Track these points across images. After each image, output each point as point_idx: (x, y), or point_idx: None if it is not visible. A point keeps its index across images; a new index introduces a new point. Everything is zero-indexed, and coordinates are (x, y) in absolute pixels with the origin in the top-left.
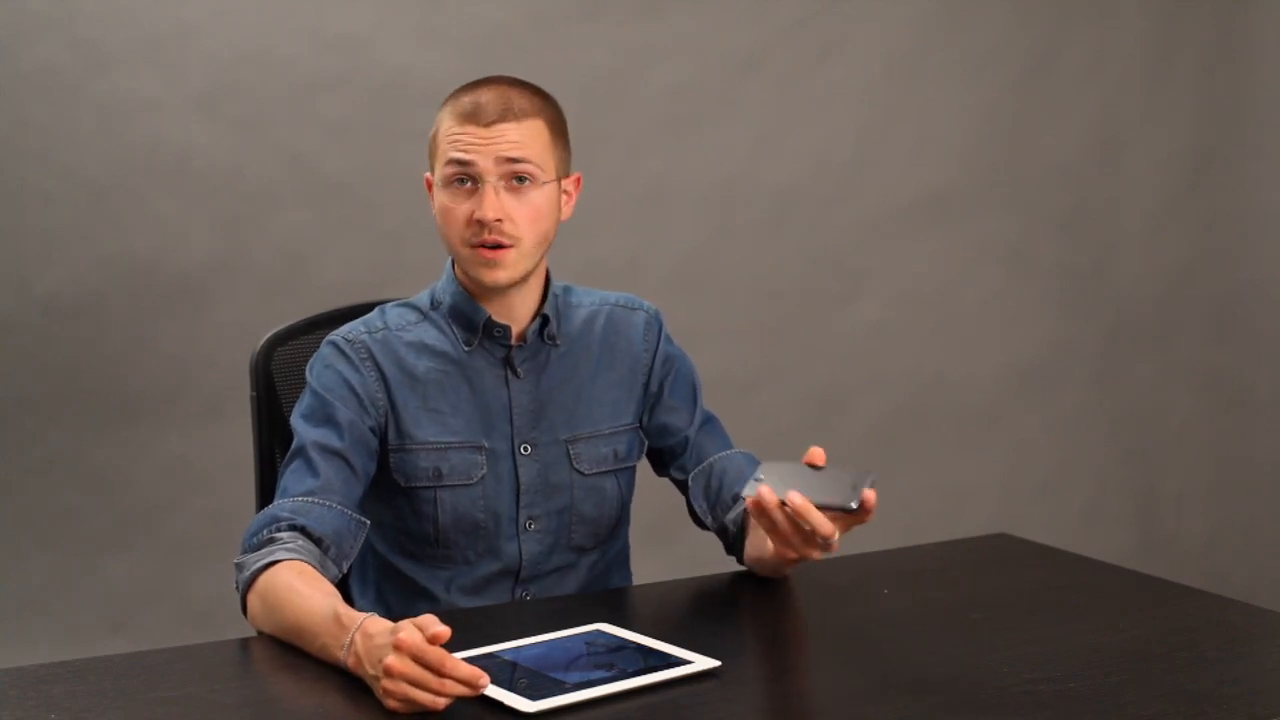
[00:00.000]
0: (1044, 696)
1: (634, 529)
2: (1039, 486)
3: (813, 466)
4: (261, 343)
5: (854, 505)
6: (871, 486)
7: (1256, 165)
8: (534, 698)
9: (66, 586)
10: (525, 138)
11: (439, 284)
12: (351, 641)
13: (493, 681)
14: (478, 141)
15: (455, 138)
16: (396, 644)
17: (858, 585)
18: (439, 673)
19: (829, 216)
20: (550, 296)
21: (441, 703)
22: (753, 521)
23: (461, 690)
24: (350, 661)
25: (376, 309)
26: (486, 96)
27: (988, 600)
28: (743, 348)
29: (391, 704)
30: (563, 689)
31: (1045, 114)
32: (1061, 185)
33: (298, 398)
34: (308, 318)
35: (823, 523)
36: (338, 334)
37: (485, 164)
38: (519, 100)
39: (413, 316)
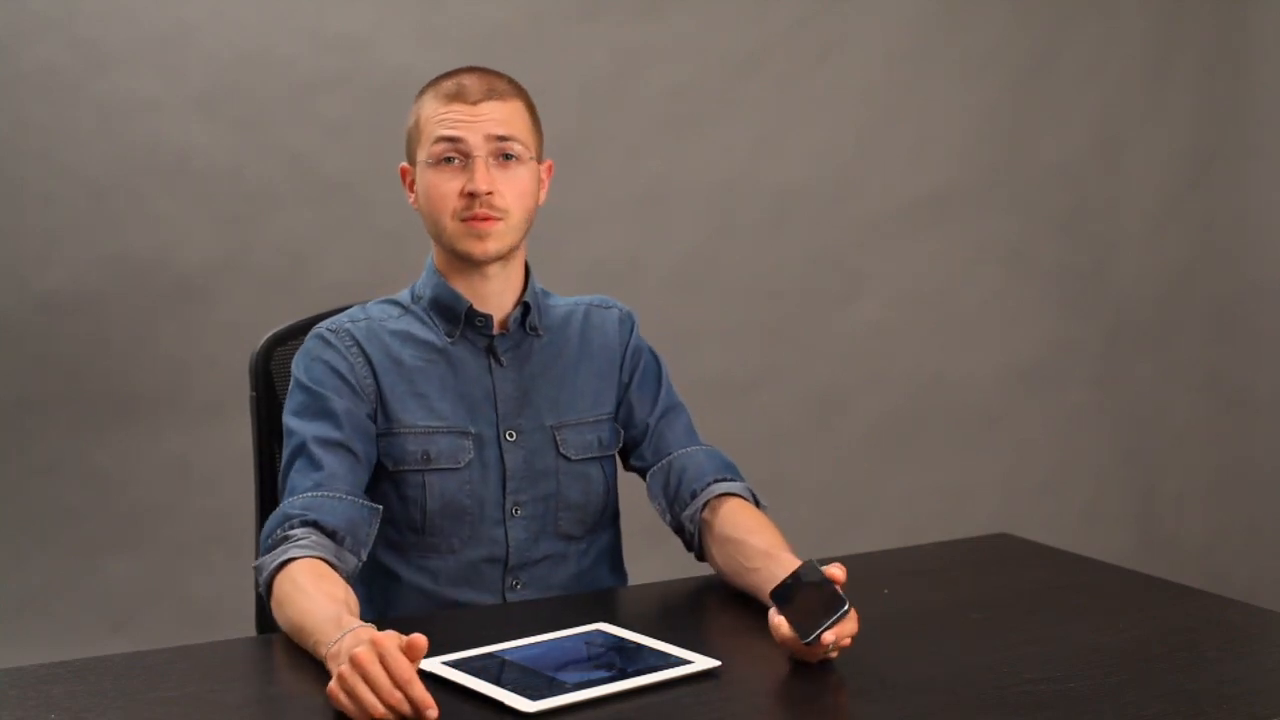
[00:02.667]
0: (1044, 696)
1: (631, 528)
2: (1039, 486)
3: (824, 578)
4: (261, 343)
5: (808, 640)
6: (833, 625)
7: (1256, 165)
8: (534, 698)
9: (66, 586)
10: (510, 116)
11: (419, 281)
12: (340, 639)
13: (493, 681)
14: (466, 119)
15: (442, 117)
16: (373, 639)
17: (858, 585)
18: (396, 683)
19: (829, 216)
20: (530, 287)
21: (380, 711)
22: (716, 534)
23: (407, 710)
24: (330, 659)
25: (357, 306)
26: (469, 79)
27: (988, 600)
28: (743, 348)
29: (333, 689)
30: (563, 689)
31: (1045, 114)
32: (1061, 185)
33: None
34: (308, 317)
35: (793, 650)
36: (320, 327)
37: (475, 139)
38: (499, 83)
39: (394, 310)
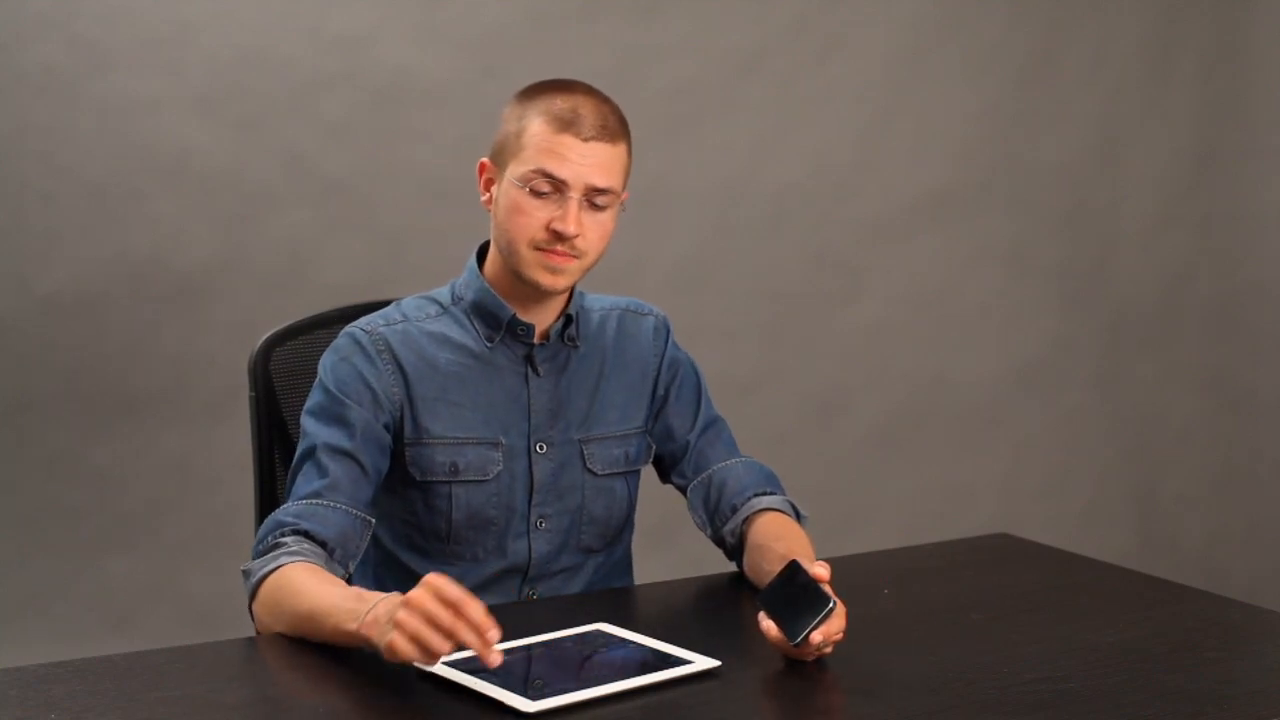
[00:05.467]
0: (1044, 696)
1: (636, 530)
2: (1039, 486)
3: (808, 579)
4: (259, 343)
5: (796, 642)
6: (819, 624)
7: (1256, 165)
8: (534, 698)
9: (66, 586)
10: (613, 161)
11: (460, 280)
12: (372, 608)
13: (493, 681)
14: (574, 158)
15: (550, 147)
16: (424, 581)
17: (858, 585)
18: (456, 612)
19: (829, 216)
20: (573, 299)
21: (447, 646)
22: (748, 543)
23: (471, 638)
24: (363, 626)
25: (393, 304)
26: (585, 108)
27: (988, 600)
28: (743, 348)
29: (396, 640)
30: (563, 689)
31: (1045, 114)
32: (1061, 185)
33: (297, 397)
34: (307, 317)
35: (785, 652)
36: (355, 326)
37: (576, 182)
38: (612, 119)
39: (433, 309)
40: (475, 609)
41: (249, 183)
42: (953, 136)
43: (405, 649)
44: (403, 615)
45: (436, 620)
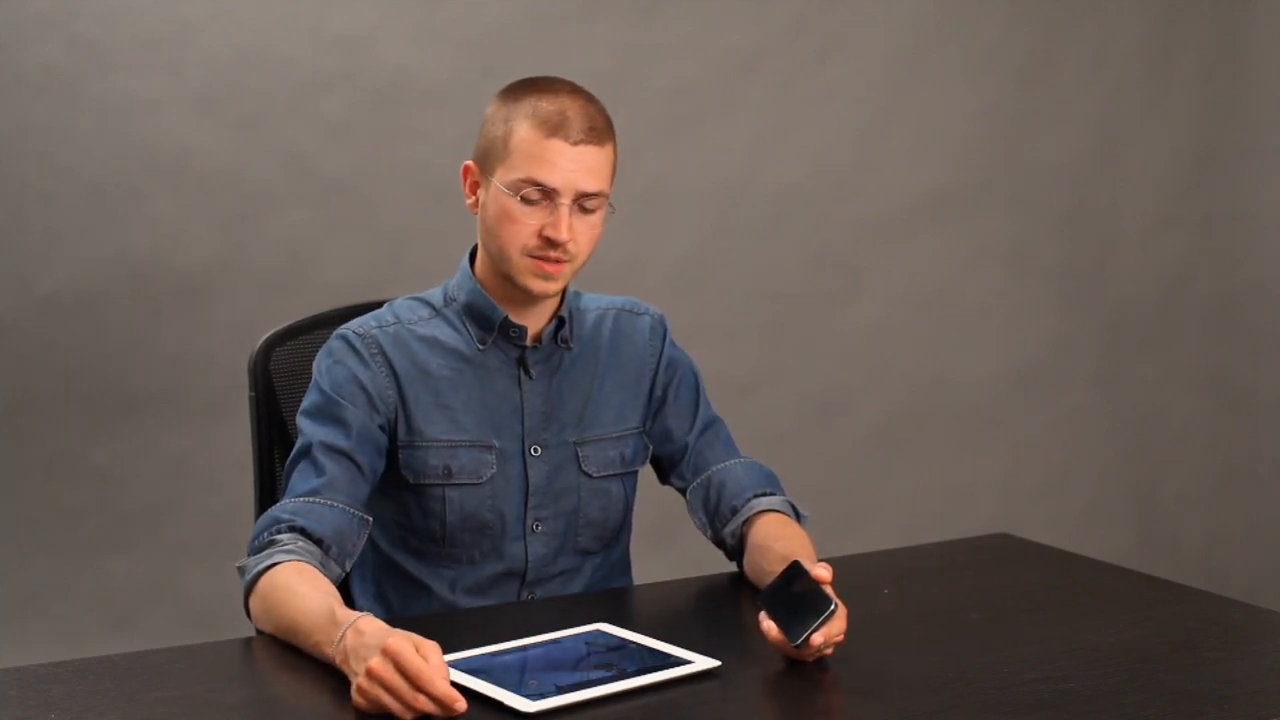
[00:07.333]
0: (1044, 696)
1: (635, 530)
2: (1039, 486)
3: (810, 580)
4: (259, 343)
5: (797, 643)
6: (821, 626)
7: (1256, 165)
8: (534, 698)
9: (66, 586)
10: (602, 164)
11: (453, 281)
12: (342, 637)
13: (493, 681)
14: (564, 163)
15: (539, 154)
16: (384, 648)
17: (858, 585)
18: (415, 685)
19: (829, 216)
20: (566, 300)
21: (408, 715)
22: (749, 544)
23: (432, 709)
24: (338, 658)
25: (385, 305)
26: (572, 110)
27: (988, 600)
28: (743, 348)
29: (360, 702)
30: (563, 689)
31: (1045, 114)
32: (1061, 185)
33: (297, 397)
34: (307, 317)
35: (785, 652)
36: (347, 328)
37: (566, 189)
38: (599, 119)
39: (425, 312)
40: (439, 685)
41: (249, 183)
42: (953, 136)
43: (367, 709)
44: (364, 683)
45: (396, 693)
